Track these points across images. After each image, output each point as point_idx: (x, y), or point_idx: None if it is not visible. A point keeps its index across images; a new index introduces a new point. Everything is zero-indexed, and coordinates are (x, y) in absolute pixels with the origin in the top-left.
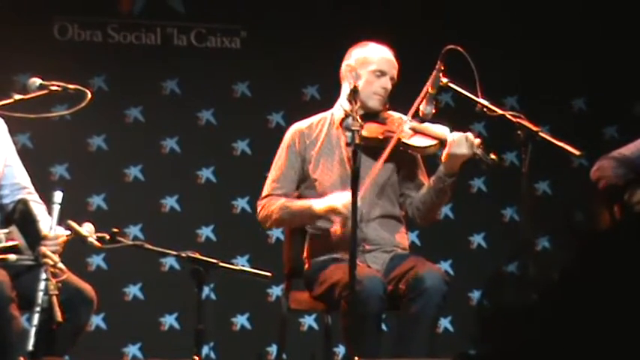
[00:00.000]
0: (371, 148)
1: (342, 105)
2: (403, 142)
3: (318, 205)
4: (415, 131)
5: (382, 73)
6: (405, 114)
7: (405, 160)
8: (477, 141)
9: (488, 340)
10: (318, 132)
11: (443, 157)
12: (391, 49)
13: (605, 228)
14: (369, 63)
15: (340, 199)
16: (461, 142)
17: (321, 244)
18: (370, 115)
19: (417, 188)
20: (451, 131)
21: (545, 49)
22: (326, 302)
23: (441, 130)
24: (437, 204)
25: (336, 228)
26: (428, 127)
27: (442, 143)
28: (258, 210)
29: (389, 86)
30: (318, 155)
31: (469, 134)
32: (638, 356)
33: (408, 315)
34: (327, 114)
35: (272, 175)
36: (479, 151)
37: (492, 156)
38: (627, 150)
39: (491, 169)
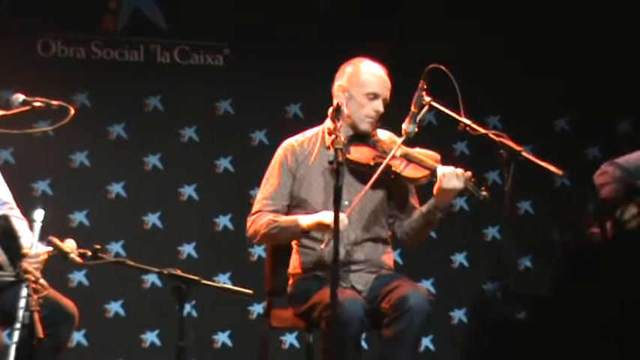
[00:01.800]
0: (362, 172)
1: None
2: (394, 172)
3: (305, 220)
4: (407, 159)
5: (375, 96)
6: (394, 131)
7: (396, 185)
8: (468, 174)
9: (475, 356)
10: (310, 150)
11: (434, 191)
12: (384, 67)
13: (596, 245)
14: (362, 85)
15: (330, 216)
16: (451, 177)
17: (306, 261)
18: (361, 137)
19: (408, 213)
20: (442, 162)
21: (528, 69)
22: (306, 321)
23: (432, 160)
24: (426, 232)
25: (325, 244)
26: (419, 155)
27: (433, 174)
28: (248, 225)
29: (381, 109)
30: (308, 174)
31: (459, 169)
32: None
33: (391, 334)
34: (318, 130)
35: (263, 191)
36: (470, 186)
37: (484, 192)
38: (634, 158)
39: (482, 204)
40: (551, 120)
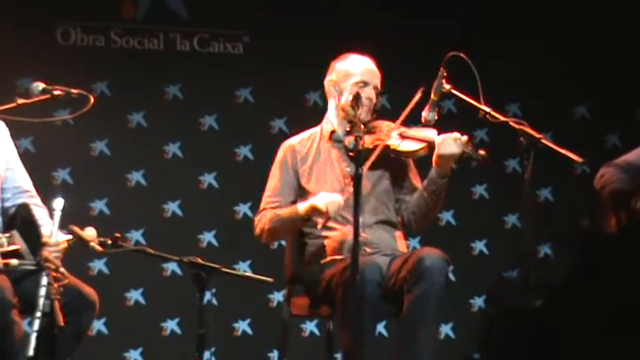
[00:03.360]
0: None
1: (330, 119)
2: (392, 149)
3: (301, 206)
4: (403, 137)
5: (365, 84)
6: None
7: (395, 165)
8: (465, 138)
9: (493, 344)
10: (309, 147)
11: (433, 160)
12: (373, 59)
13: (612, 233)
14: (350, 75)
15: (321, 199)
16: (448, 142)
17: (320, 250)
18: None
19: (411, 192)
20: (439, 134)
21: (548, 56)
22: (327, 300)
23: (429, 132)
24: (432, 207)
25: (320, 224)
26: (415, 131)
27: (430, 145)
28: (255, 225)
29: (373, 96)
30: (310, 169)
31: (456, 134)
32: None
33: (414, 297)
34: (316, 129)
35: (267, 191)
36: (467, 149)
37: (481, 152)
38: (632, 156)
39: (482, 165)
40: (571, 107)
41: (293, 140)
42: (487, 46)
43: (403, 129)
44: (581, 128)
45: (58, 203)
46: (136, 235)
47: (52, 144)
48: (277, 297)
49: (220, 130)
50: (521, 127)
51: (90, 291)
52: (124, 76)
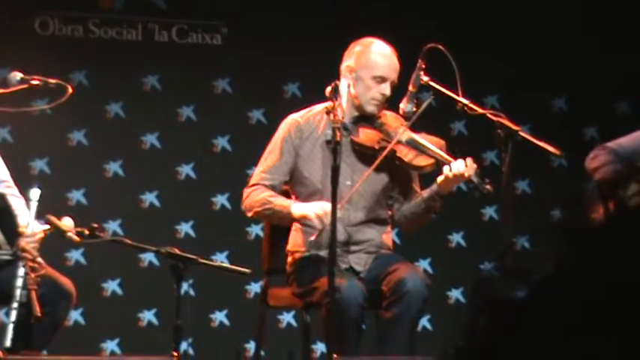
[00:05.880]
0: (366, 154)
1: (340, 102)
2: (399, 158)
3: (295, 208)
4: (412, 146)
5: (382, 79)
6: (397, 112)
7: (400, 169)
8: (474, 166)
9: (476, 334)
10: (315, 126)
11: (439, 180)
12: (393, 49)
13: (600, 223)
14: (371, 68)
15: (315, 209)
16: (458, 169)
17: (306, 239)
18: (366, 119)
19: (409, 197)
20: (447, 148)
21: (526, 48)
22: (305, 301)
23: (438, 147)
24: (425, 217)
25: (314, 235)
26: (425, 142)
27: (438, 162)
28: (244, 197)
29: (388, 92)
30: (311, 152)
31: (469, 160)
32: (631, 353)
33: (389, 317)
34: (323, 107)
35: (263, 164)
36: (475, 179)
37: (488, 187)
38: (626, 140)
39: (484, 197)
40: (549, 100)
41: (299, 116)
42: (465, 38)
43: (412, 135)
44: (559, 121)
45: (35, 193)
46: (113, 226)
47: (29, 134)
48: (254, 288)
49: (198, 121)
50: (499, 119)
51: (67, 281)
52: (102, 66)
